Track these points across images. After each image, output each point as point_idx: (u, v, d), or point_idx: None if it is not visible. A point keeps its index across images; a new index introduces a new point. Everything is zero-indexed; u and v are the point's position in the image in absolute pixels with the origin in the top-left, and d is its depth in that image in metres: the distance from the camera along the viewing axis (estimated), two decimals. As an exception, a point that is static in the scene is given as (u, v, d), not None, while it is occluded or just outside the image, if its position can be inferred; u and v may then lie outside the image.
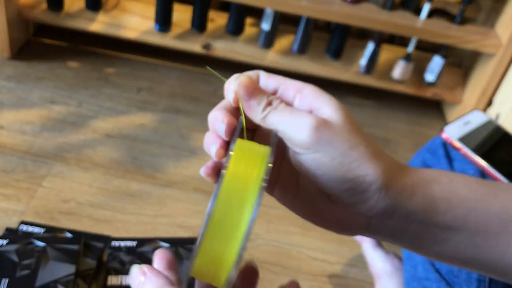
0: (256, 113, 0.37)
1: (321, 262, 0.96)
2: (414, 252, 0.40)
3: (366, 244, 0.92)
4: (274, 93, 0.38)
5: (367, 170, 0.35)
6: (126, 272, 0.85)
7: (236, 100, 0.37)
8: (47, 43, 1.38)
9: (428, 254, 0.39)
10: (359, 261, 0.97)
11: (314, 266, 0.95)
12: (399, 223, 0.37)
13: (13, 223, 0.91)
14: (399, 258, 0.87)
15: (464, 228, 0.37)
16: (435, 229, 0.37)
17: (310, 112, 0.36)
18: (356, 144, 0.35)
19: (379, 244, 0.91)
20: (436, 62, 1.30)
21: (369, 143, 0.36)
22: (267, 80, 0.39)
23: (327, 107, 0.36)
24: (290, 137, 0.36)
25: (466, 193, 0.37)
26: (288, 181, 0.40)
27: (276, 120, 0.36)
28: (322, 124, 0.35)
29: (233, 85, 0.37)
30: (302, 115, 0.35)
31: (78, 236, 0.89)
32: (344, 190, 0.36)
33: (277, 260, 0.94)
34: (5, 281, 0.76)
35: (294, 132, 0.35)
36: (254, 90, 0.37)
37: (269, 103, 0.37)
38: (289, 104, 0.38)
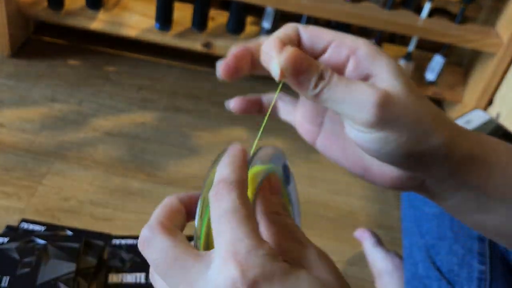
0: (307, 90, 0.31)
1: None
2: (456, 217, 0.39)
3: (367, 243, 0.92)
4: (323, 52, 0.34)
5: (434, 141, 0.32)
6: (126, 270, 0.85)
7: (282, 75, 0.31)
8: (47, 41, 1.38)
9: (471, 221, 0.38)
10: (360, 260, 0.97)
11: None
12: (452, 188, 0.35)
13: (13, 221, 0.91)
14: (400, 257, 0.87)
15: (510, 200, 0.35)
16: (483, 197, 0.35)
17: (367, 78, 0.32)
18: (423, 115, 0.31)
19: (380, 243, 0.91)
20: (437, 61, 1.30)
21: (433, 109, 0.33)
22: (312, 38, 0.34)
23: (386, 73, 0.32)
24: (350, 116, 0.31)
25: None
26: (334, 131, 0.38)
27: (332, 98, 0.31)
28: (387, 100, 0.30)
29: (277, 58, 0.31)
30: (361, 90, 0.31)
31: (79, 234, 0.89)
32: (407, 162, 0.33)
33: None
34: (6, 279, 0.76)
35: (355, 111, 0.31)
36: (304, 64, 0.31)
37: (321, 77, 0.31)
38: (341, 66, 0.33)
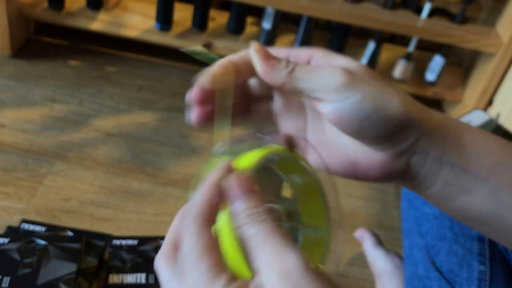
0: (280, 71, 0.35)
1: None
2: (441, 207, 0.40)
3: (367, 243, 0.92)
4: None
5: (407, 106, 0.35)
6: (127, 270, 0.85)
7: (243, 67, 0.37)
8: (48, 41, 1.38)
9: (454, 206, 0.39)
10: (360, 260, 0.97)
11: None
12: (433, 165, 0.37)
13: (14, 221, 0.91)
14: (400, 257, 0.87)
15: (490, 180, 0.37)
16: (464, 175, 0.37)
17: None
18: (388, 84, 0.35)
19: (380, 243, 0.92)
20: (437, 62, 1.30)
21: (395, 84, 0.37)
22: (274, 52, 0.38)
23: (342, 63, 0.36)
24: (324, 86, 0.35)
25: (493, 146, 0.38)
26: (317, 142, 0.40)
27: (304, 76, 0.35)
28: (353, 69, 0.35)
29: (250, 51, 0.37)
30: (327, 67, 0.35)
31: (80, 234, 0.89)
32: (385, 132, 0.35)
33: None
34: (6, 279, 0.77)
35: (327, 79, 0.34)
36: (270, 54, 0.36)
37: (289, 62, 0.36)
38: None
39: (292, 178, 0.37)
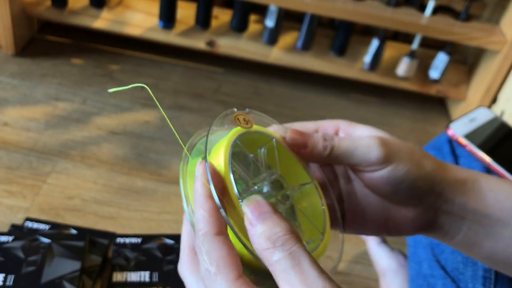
0: (320, 147, 0.38)
1: (325, 259, 0.95)
2: (469, 254, 0.43)
3: (371, 241, 0.92)
4: None
5: (427, 166, 0.39)
6: (131, 268, 0.85)
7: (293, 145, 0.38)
8: (51, 40, 1.38)
9: (481, 251, 0.42)
10: (364, 258, 0.97)
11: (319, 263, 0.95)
12: (457, 214, 0.40)
13: (18, 219, 0.91)
14: (404, 255, 0.87)
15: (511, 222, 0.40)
16: (486, 220, 0.40)
17: None
18: (413, 148, 0.40)
19: (384, 241, 0.91)
20: (441, 59, 1.30)
21: (415, 147, 0.40)
22: (302, 126, 0.41)
23: (368, 133, 0.40)
24: (364, 157, 0.38)
25: (511, 188, 0.41)
26: (354, 213, 0.43)
27: (343, 151, 0.38)
28: (385, 140, 0.39)
29: (284, 133, 0.39)
30: (363, 138, 0.38)
31: (83, 232, 0.89)
32: (414, 190, 0.39)
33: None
34: (11, 277, 0.77)
35: (365, 154, 0.38)
36: (305, 133, 0.39)
37: (325, 139, 0.38)
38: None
39: (258, 151, 0.38)
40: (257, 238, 0.30)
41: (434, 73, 1.32)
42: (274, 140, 0.38)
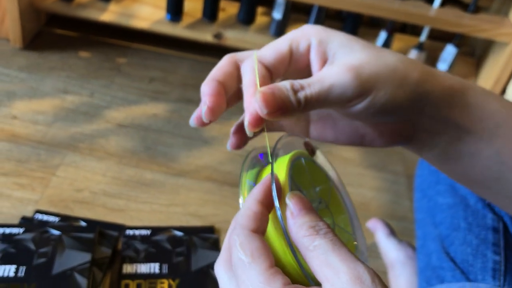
0: (295, 110, 0.34)
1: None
2: (443, 169, 0.40)
3: (380, 233, 0.92)
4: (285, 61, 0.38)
5: (410, 83, 0.35)
6: (141, 260, 0.85)
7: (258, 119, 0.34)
8: (59, 33, 1.38)
9: (457, 169, 0.39)
10: (372, 250, 0.97)
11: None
12: (437, 131, 0.37)
13: (28, 212, 0.91)
14: (413, 247, 0.87)
15: (493, 142, 0.37)
16: (467, 137, 0.37)
17: (325, 61, 0.36)
18: (391, 67, 0.35)
19: (393, 233, 0.91)
20: (449, 51, 1.29)
21: (398, 57, 0.36)
22: (276, 50, 0.38)
23: (341, 55, 0.36)
24: (340, 97, 0.34)
25: (498, 106, 0.37)
26: (321, 117, 0.41)
27: (317, 100, 0.34)
28: (358, 71, 0.34)
29: (254, 100, 0.34)
30: (335, 76, 0.34)
31: (93, 224, 0.89)
32: (398, 110, 0.36)
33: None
34: (22, 268, 0.77)
35: (341, 91, 0.34)
36: (274, 90, 0.33)
37: (295, 90, 0.34)
38: (304, 63, 0.38)
39: (314, 181, 0.39)
40: (298, 227, 0.31)
41: (442, 65, 1.32)
42: (332, 184, 0.39)
